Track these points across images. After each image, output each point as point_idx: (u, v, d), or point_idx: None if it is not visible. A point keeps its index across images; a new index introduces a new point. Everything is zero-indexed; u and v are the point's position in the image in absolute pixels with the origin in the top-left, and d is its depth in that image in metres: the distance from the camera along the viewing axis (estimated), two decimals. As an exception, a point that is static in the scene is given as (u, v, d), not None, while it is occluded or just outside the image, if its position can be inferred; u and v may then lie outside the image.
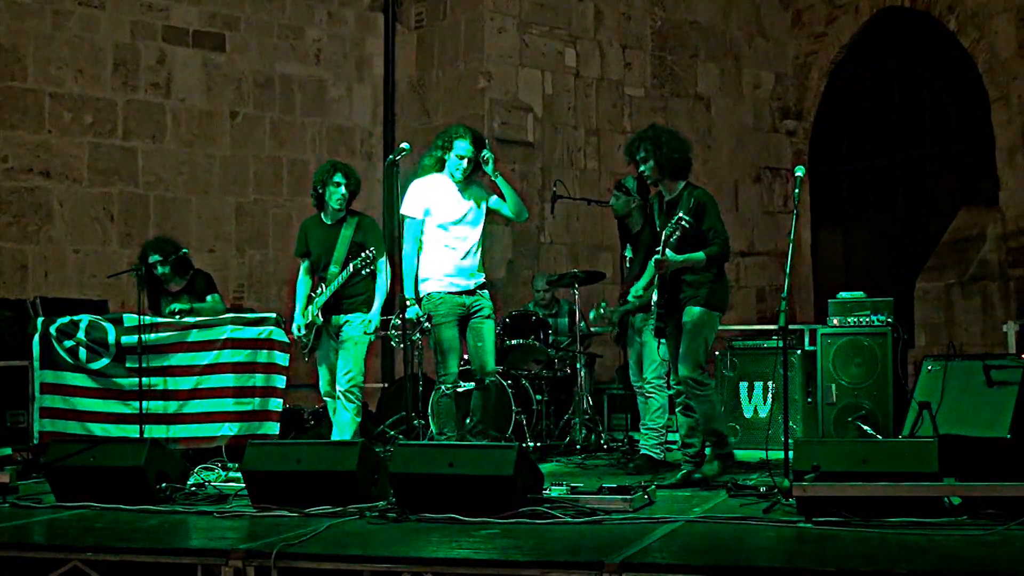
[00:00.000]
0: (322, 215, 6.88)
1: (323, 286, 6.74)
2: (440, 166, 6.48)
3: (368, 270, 6.60)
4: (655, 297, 5.85)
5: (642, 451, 6.96)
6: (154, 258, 7.60)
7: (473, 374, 6.54)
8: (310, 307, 6.78)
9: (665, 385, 6.85)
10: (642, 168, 5.94)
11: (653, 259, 5.75)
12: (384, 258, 6.71)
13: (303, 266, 6.98)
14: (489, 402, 6.55)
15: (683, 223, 5.58)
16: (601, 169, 11.47)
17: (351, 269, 6.57)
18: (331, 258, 6.73)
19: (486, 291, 6.55)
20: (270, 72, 10.80)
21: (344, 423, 6.67)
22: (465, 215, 6.46)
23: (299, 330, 6.84)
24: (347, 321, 6.69)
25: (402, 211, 6.47)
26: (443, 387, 6.40)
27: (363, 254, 6.55)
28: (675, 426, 6.58)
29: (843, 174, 12.49)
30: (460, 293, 6.41)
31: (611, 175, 11.45)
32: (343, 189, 6.73)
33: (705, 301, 5.83)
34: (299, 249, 7.01)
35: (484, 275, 6.57)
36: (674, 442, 6.86)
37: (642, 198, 6.94)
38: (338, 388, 6.68)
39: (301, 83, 10.99)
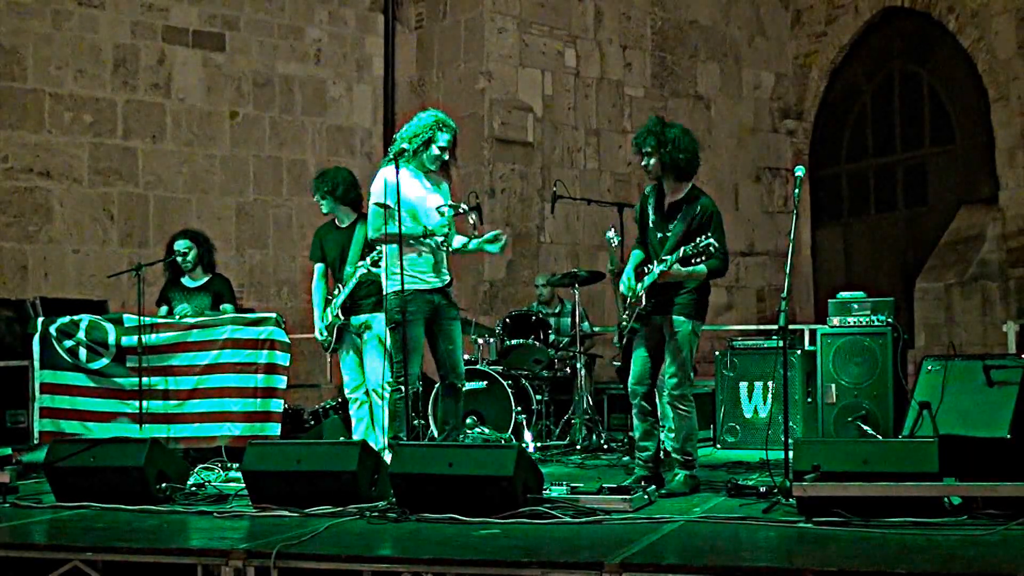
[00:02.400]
0: (335, 220, 6.99)
1: (339, 286, 6.81)
2: (412, 155, 6.12)
3: (378, 259, 6.58)
4: (639, 298, 5.69)
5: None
6: (183, 243, 7.61)
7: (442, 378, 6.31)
8: (328, 308, 6.85)
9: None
10: (644, 162, 5.78)
11: (658, 268, 5.62)
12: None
13: (317, 270, 7.01)
14: (460, 407, 6.26)
15: (711, 249, 5.40)
16: (601, 169, 11.48)
17: (363, 266, 6.60)
18: (346, 259, 6.80)
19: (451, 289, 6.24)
20: (270, 72, 10.80)
21: (375, 420, 6.71)
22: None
23: (321, 334, 6.89)
24: (366, 323, 6.73)
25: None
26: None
27: (374, 251, 6.56)
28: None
29: (843, 174, 12.50)
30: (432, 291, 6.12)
31: (611, 175, 11.48)
32: (318, 195, 6.87)
33: (693, 313, 5.70)
34: (314, 254, 7.08)
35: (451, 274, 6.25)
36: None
37: None
38: (370, 387, 6.73)
39: (301, 83, 11.00)
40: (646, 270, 5.72)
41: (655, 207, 5.83)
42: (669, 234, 5.69)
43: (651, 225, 5.83)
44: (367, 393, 6.83)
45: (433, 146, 6.09)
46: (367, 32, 11.37)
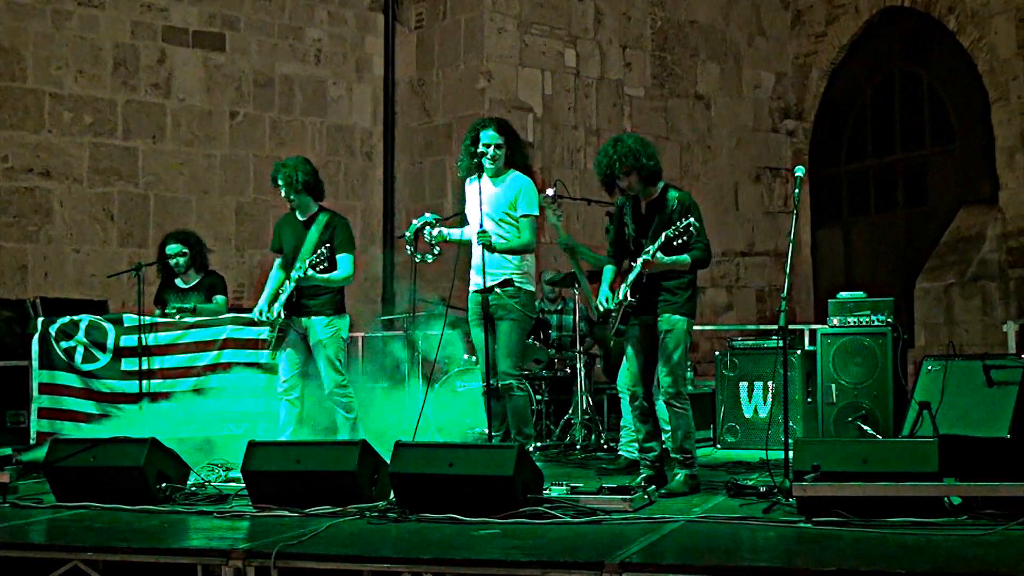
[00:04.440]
0: (296, 212, 6.84)
1: (287, 283, 6.68)
2: (476, 168, 6.25)
3: (323, 266, 6.52)
4: (624, 295, 5.64)
5: (621, 452, 6.99)
6: (174, 247, 7.60)
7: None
8: (275, 305, 6.69)
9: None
10: (624, 184, 5.69)
11: (641, 259, 5.60)
12: (348, 257, 6.65)
13: (276, 262, 6.93)
14: (509, 407, 6.18)
15: (692, 228, 5.39)
16: (601, 169, 11.46)
17: (306, 266, 6.51)
18: (298, 255, 6.68)
19: (510, 288, 6.21)
20: (270, 72, 10.80)
21: (338, 425, 6.69)
22: (481, 209, 6.20)
23: (260, 314, 6.74)
24: (310, 326, 6.65)
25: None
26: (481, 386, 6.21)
27: (318, 251, 6.53)
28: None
29: (843, 174, 12.50)
30: (478, 292, 6.23)
31: (611, 175, 11.46)
32: (283, 192, 6.73)
33: (685, 310, 5.68)
34: (274, 244, 6.98)
35: (512, 271, 6.24)
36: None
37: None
38: (326, 392, 6.68)
39: (301, 83, 11.00)
40: (630, 266, 5.70)
41: (633, 216, 5.81)
42: (651, 232, 5.66)
43: (631, 234, 5.81)
44: (299, 400, 6.76)
45: (480, 147, 6.21)
46: (367, 32, 11.37)
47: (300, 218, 6.81)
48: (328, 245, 6.58)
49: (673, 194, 5.70)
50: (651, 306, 5.68)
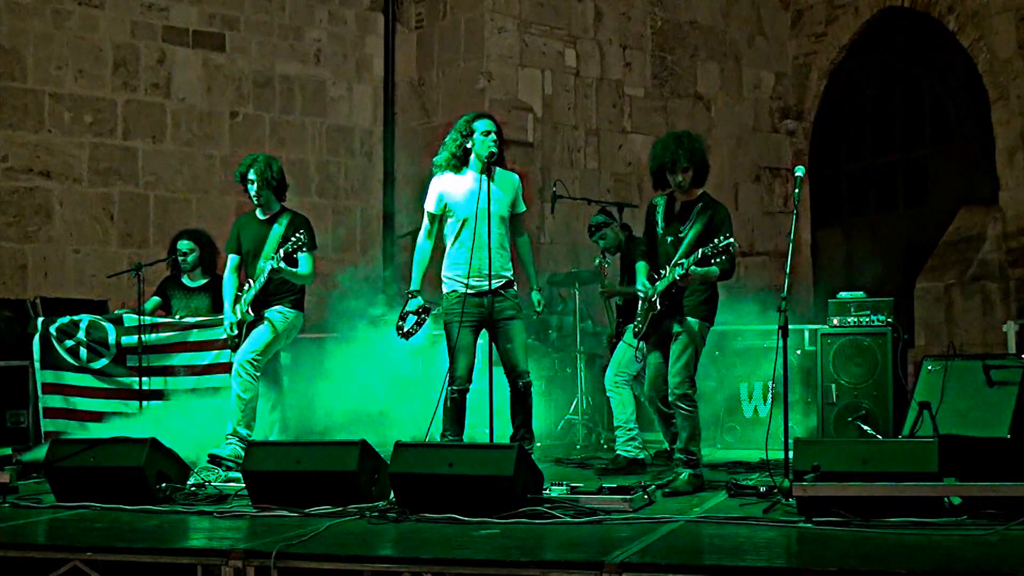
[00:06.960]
0: (257, 211, 6.84)
1: (251, 282, 6.67)
2: (460, 162, 6.10)
3: (300, 253, 6.50)
4: (653, 300, 5.72)
5: (619, 452, 7.00)
6: (186, 244, 7.62)
7: (507, 377, 6.16)
8: (238, 305, 6.69)
9: (623, 382, 6.89)
10: (679, 178, 5.69)
11: (675, 272, 5.62)
12: (310, 257, 6.62)
13: (231, 263, 6.87)
14: (524, 406, 6.13)
15: (731, 248, 5.42)
16: (601, 169, 11.47)
17: (281, 254, 6.46)
18: (260, 254, 6.67)
19: (512, 289, 6.11)
20: (270, 72, 10.80)
21: (231, 399, 6.57)
22: (481, 208, 5.96)
23: (231, 328, 6.71)
24: (269, 313, 6.66)
25: (424, 206, 6.22)
26: (449, 389, 6.04)
27: (294, 237, 6.46)
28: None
29: (843, 174, 12.50)
30: (478, 295, 6.02)
31: (611, 175, 11.47)
32: (253, 187, 6.68)
33: (699, 313, 5.73)
34: (230, 245, 6.91)
35: (510, 272, 6.14)
36: (658, 442, 6.89)
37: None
38: (235, 360, 6.61)
39: (301, 83, 10.99)
40: (657, 276, 5.74)
41: (664, 215, 5.84)
42: (683, 235, 5.69)
43: (659, 231, 5.83)
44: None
45: (476, 136, 6.02)
46: (367, 32, 11.37)
47: (261, 217, 6.79)
48: (303, 232, 6.51)
49: (714, 206, 5.75)
50: (675, 310, 5.74)
